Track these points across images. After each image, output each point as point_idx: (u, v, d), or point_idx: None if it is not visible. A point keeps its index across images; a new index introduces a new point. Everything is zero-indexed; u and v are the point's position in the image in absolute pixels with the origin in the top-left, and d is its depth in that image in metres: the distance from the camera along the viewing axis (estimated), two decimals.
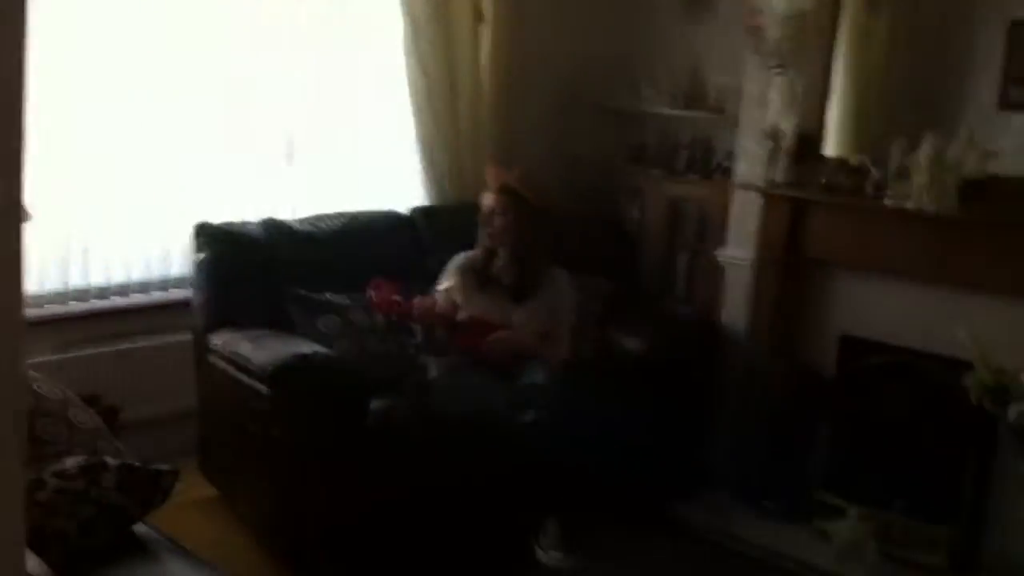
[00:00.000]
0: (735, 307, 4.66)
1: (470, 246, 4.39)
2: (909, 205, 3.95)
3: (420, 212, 4.82)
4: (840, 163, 4.26)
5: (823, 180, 4.27)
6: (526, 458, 3.84)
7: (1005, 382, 3.63)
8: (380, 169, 5.08)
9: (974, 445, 3.92)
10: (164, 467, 2.66)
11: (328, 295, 4.26)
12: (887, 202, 4.03)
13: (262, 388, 3.72)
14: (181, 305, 4.42)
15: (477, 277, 4.29)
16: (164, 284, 4.61)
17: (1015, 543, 3.91)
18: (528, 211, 4.26)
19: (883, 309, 4.21)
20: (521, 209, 4.25)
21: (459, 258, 4.36)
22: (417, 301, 4.04)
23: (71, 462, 2.56)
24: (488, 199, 4.32)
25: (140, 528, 2.67)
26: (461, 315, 4.20)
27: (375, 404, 3.87)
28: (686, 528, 4.32)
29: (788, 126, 4.39)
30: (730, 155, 4.89)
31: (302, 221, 4.49)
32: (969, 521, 3.97)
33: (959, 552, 3.98)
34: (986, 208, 3.83)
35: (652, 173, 5.25)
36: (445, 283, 4.32)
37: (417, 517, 3.93)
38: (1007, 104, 4.08)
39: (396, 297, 4.05)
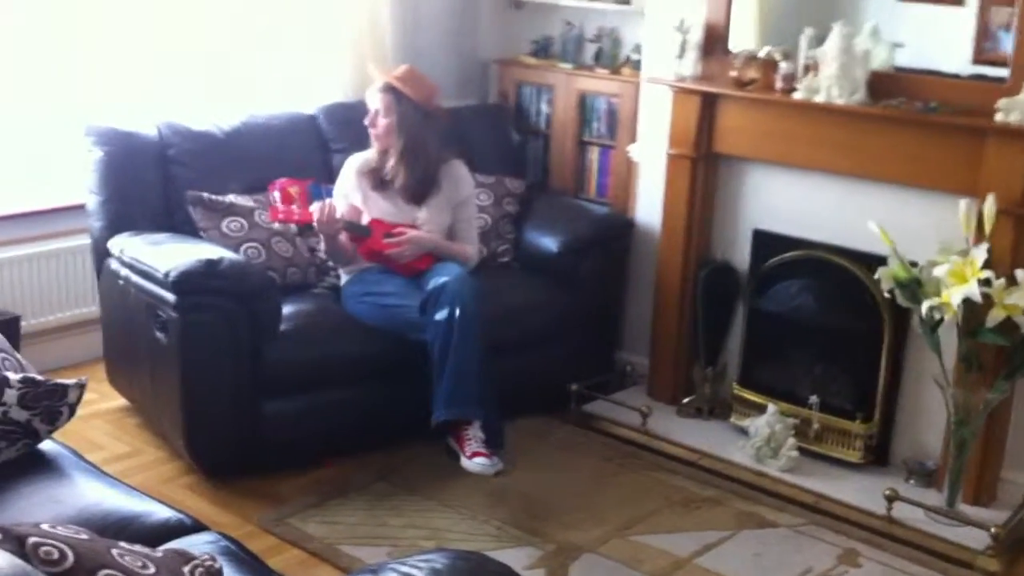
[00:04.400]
0: (648, 204, 4.63)
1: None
2: (818, 98, 3.94)
3: (323, 110, 4.68)
4: (749, 56, 4.22)
5: (732, 74, 4.23)
6: (439, 362, 3.80)
7: (917, 276, 3.67)
8: (282, 71, 4.91)
9: (886, 340, 3.96)
10: (70, 381, 2.55)
11: (232, 197, 4.13)
12: (796, 95, 4.01)
13: (167, 295, 3.62)
14: (79, 208, 4.26)
15: (374, 178, 4.17)
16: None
17: (924, 437, 4.00)
18: (411, 109, 4.11)
19: (795, 203, 4.21)
20: (403, 108, 4.11)
21: (354, 160, 4.23)
22: (316, 210, 3.89)
23: None
24: (371, 98, 4.19)
25: (47, 444, 2.58)
26: (364, 219, 4.09)
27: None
28: (603, 426, 4.33)
29: (696, 18, 4.33)
30: (639, 48, 4.82)
31: (200, 122, 4.31)
32: (882, 416, 4.04)
33: (873, 447, 4.06)
34: (893, 100, 3.84)
35: (559, 67, 5.15)
36: (343, 186, 4.19)
37: (333, 423, 3.91)
38: None
39: (295, 207, 3.92)
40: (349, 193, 4.16)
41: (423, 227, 4.13)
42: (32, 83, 4.30)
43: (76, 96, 4.41)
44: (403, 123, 4.10)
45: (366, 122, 4.18)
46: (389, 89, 4.13)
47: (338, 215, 3.94)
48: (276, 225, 4.03)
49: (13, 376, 2.48)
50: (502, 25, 5.47)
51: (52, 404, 2.51)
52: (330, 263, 4.22)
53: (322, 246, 4.09)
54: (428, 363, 3.83)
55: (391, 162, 4.14)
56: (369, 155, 4.21)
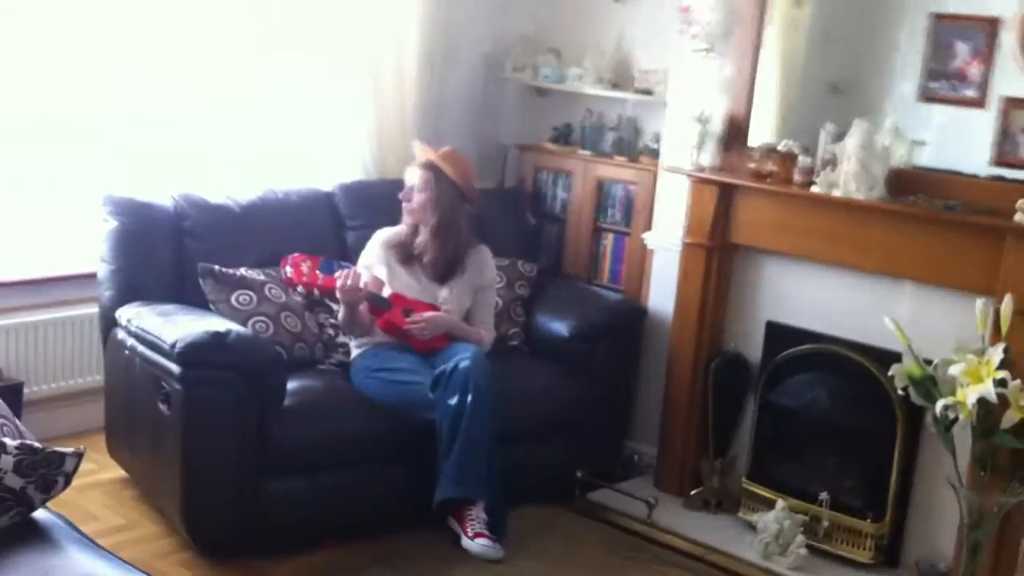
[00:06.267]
0: (661, 291, 4.62)
1: (391, 223, 4.28)
2: (837, 193, 3.93)
3: (341, 188, 4.69)
4: (768, 149, 4.22)
5: (751, 166, 4.24)
6: (447, 442, 3.76)
7: (932, 374, 3.62)
8: (302, 147, 4.94)
9: (899, 438, 3.91)
10: (68, 449, 2.51)
11: (243, 270, 4.12)
12: (815, 189, 4.01)
13: (172, 366, 3.59)
14: (88, 277, 4.25)
15: (401, 253, 4.20)
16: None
17: (936, 538, 3.93)
18: (449, 189, 4.17)
19: (810, 297, 4.19)
20: (442, 186, 4.16)
21: (383, 232, 4.26)
22: (340, 276, 3.91)
23: None
24: (410, 175, 4.22)
25: (40, 514, 2.53)
26: (385, 292, 4.10)
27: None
28: (608, 516, 4.26)
29: (716, 111, 4.34)
30: (658, 137, 4.84)
31: (215, 195, 4.32)
32: (894, 516, 3.97)
33: (884, 547, 3.98)
34: (912, 197, 3.84)
35: (578, 154, 5.17)
36: (368, 258, 4.20)
37: (332, 504, 3.85)
38: (927, 97, 4.11)
39: (319, 272, 3.93)
40: (374, 265, 4.18)
41: (443, 306, 4.15)
42: (47, 150, 4.32)
43: (91, 164, 4.42)
44: (439, 201, 4.15)
45: (401, 196, 4.21)
46: (430, 166, 4.17)
47: (361, 284, 3.94)
48: (300, 288, 4.01)
49: (11, 442, 2.44)
50: (524, 111, 5.50)
51: (48, 472, 2.47)
52: (339, 339, 4.20)
53: (340, 314, 4.07)
54: (435, 443, 3.79)
55: (421, 238, 4.17)
56: (399, 230, 4.25)
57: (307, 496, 3.78)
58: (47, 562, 2.35)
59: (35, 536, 2.46)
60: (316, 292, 4.05)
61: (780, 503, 4.01)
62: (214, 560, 3.67)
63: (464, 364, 3.80)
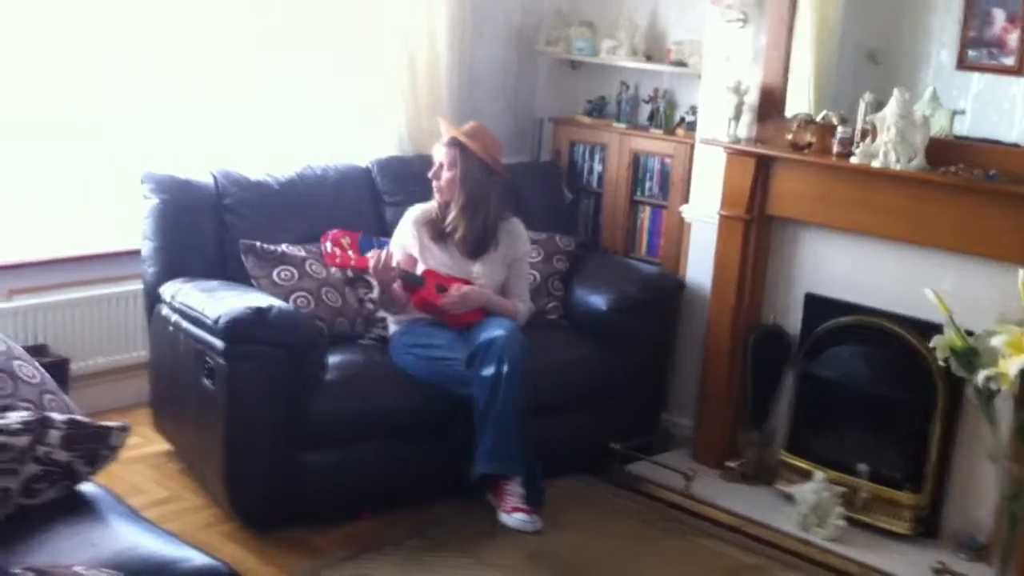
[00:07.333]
0: (699, 264, 4.62)
1: (427, 198, 4.29)
2: (876, 163, 3.90)
3: (378, 164, 4.71)
4: (806, 120, 4.20)
5: (788, 137, 4.21)
6: (483, 417, 3.79)
7: (973, 345, 3.59)
8: (338, 123, 4.97)
9: (939, 410, 3.90)
10: (114, 424, 2.56)
11: (284, 246, 4.16)
12: (853, 160, 3.98)
13: (216, 342, 3.63)
14: (132, 254, 4.31)
15: (433, 229, 4.21)
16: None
17: (975, 510, 3.91)
18: (476, 164, 4.16)
19: (849, 269, 4.17)
20: (468, 162, 4.15)
21: (414, 210, 4.27)
22: (372, 256, 3.92)
23: (14, 417, 2.45)
24: (437, 152, 4.23)
25: (87, 486, 2.58)
26: (419, 269, 4.12)
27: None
28: (645, 488, 4.27)
29: (752, 81, 4.32)
30: (694, 109, 4.82)
31: (256, 172, 4.36)
32: (933, 487, 3.96)
33: (923, 518, 3.97)
34: (952, 167, 3.80)
35: (613, 127, 5.16)
36: (400, 236, 4.22)
37: (372, 477, 3.89)
38: (964, 64, 4.07)
39: (351, 253, 3.96)
40: (407, 243, 4.19)
41: (477, 281, 4.15)
42: (91, 129, 4.38)
43: (134, 142, 4.48)
44: (467, 177, 4.14)
45: (430, 175, 4.22)
46: (455, 143, 4.17)
47: (394, 263, 3.96)
48: (333, 270, 4.05)
49: (59, 417, 2.49)
50: (558, 84, 5.50)
51: (94, 447, 2.51)
52: (378, 314, 4.23)
53: (375, 293, 4.10)
54: (472, 417, 3.81)
55: (452, 215, 4.17)
56: (430, 207, 4.25)
57: (347, 469, 3.82)
58: (93, 534, 2.40)
59: (82, 508, 2.50)
60: (350, 273, 4.08)
61: (818, 475, 4.01)
62: (256, 531, 3.72)
63: (498, 337, 3.81)
